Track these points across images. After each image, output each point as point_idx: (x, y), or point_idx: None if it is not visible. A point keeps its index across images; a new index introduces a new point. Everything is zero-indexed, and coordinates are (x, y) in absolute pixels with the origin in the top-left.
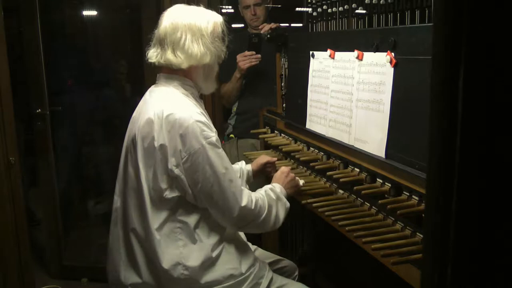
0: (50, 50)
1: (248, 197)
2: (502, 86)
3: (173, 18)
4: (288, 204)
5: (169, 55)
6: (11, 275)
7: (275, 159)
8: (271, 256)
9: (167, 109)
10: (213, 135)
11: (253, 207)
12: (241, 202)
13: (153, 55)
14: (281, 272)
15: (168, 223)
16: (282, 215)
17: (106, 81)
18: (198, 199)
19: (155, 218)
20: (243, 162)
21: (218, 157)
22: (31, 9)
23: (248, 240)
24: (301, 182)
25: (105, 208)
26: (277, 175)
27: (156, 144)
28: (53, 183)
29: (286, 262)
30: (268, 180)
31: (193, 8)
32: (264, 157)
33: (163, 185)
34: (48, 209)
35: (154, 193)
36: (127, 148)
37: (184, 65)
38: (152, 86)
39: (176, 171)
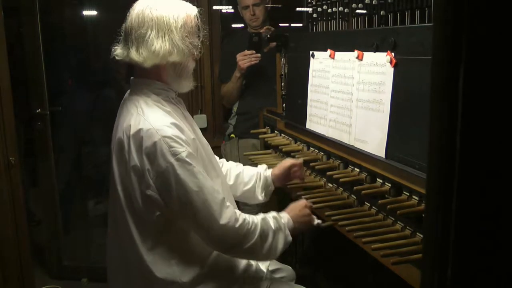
0: (50, 50)
1: (231, 216)
2: (502, 86)
3: (140, 11)
4: (289, 238)
5: (133, 53)
6: (11, 275)
7: (300, 160)
8: (268, 262)
9: (134, 126)
10: (182, 150)
11: (237, 226)
12: (219, 220)
13: (119, 52)
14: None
15: (158, 244)
16: (280, 247)
17: (106, 81)
18: (177, 218)
19: (144, 241)
20: (264, 166)
21: (189, 174)
22: (31, 9)
23: None
24: (316, 222)
25: (105, 208)
26: (292, 205)
27: (129, 165)
28: (53, 183)
29: (283, 272)
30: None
31: (162, 2)
32: (287, 160)
33: (143, 207)
34: (48, 209)
35: (137, 215)
36: (110, 162)
37: (147, 64)
38: (127, 93)
39: (149, 191)
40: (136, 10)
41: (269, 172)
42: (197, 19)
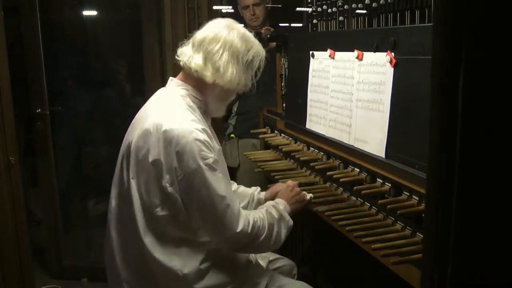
0: (50, 50)
1: (244, 221)
2: (502, 85)
3: (219, 29)
4: (291, 222)
5: (200, 62)
6: (11, 275)
7: (294, 183)
8: (268, 255)
9: (167, 122)
10: (211, 156)
11: (249, 231)
12: (236, 228)
13: (184, 53)
14: (280, 271)
15: (163, 237)
16: (283, 234)
17: (106, 81)
18: (192, 218)
19: (147, 233)
20: (258, 188)
21: (216, 180)
22: (31, 9)
23: None
24: (308, 196)
25: (105, 208)
26: (282, 189)
27: (150, 158)
28: (53, 183)
29: (284, 261)
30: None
31: (243, 31)
32: (279, 185)
33: (156, 201)
34: (48, 209)
35: (146, 208)
36: (122, 153)
37: (209, 79)
38: (162, 89)
39: (170, 189)
40: (216, 25)
41: (262, 195)
42: (262, 62)
